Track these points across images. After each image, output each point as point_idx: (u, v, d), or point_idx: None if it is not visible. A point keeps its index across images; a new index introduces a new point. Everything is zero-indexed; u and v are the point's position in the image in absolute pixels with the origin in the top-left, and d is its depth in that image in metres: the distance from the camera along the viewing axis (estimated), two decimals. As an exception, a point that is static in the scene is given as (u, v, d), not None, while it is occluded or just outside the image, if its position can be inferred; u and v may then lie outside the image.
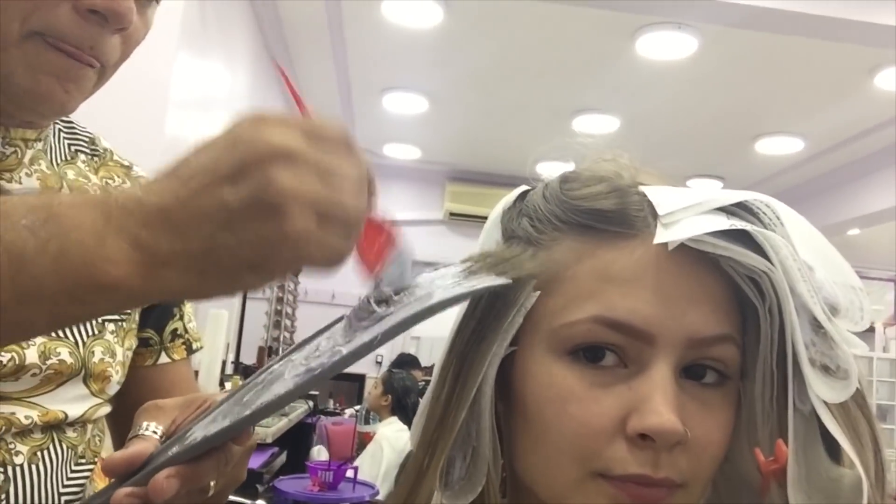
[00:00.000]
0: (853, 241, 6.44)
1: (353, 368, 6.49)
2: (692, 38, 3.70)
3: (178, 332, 0.86)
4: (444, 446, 0.46)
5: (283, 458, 3.44)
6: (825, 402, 0.43)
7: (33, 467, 0.68)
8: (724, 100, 4.57)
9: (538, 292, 0.46)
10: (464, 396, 0.46)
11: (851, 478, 0.43)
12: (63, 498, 0.71)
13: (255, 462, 2.72)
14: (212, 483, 0.51)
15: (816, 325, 0.44)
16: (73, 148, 0.79)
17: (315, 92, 5.16)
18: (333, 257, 0.43)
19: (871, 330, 7.06)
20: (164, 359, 0.84)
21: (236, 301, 4.28)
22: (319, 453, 3.66)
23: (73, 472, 0.72)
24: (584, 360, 0.45)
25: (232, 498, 2.60)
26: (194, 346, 0.88)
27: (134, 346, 0.79)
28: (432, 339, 7.23)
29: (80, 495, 0.73)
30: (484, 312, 0.48)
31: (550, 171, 0.53)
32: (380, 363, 6.54)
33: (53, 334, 0.69)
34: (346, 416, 5.00)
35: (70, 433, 0.72)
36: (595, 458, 0.43)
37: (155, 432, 0.54)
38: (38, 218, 0.40)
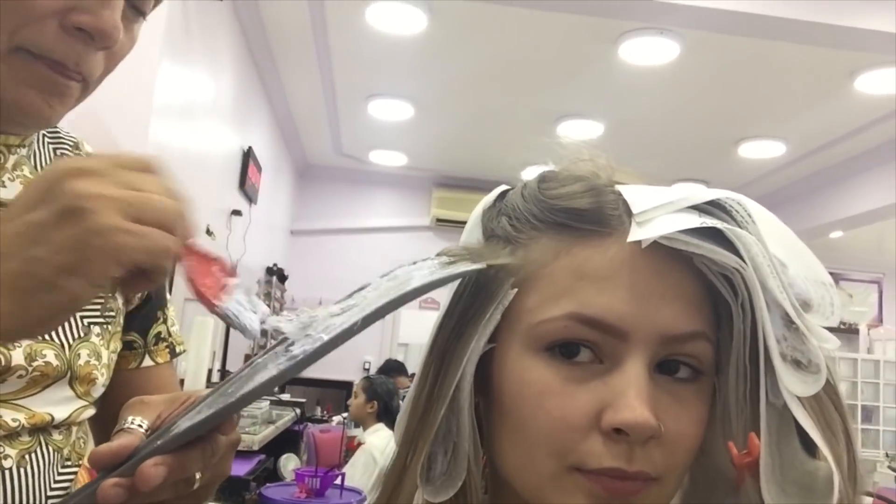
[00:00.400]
0: (836, 244, 6.50)
1: (341, 375, 6.49)
2: (674, 43, 3.73)
3: (162, 336, 0.86)
4: (425, 442, 0.47)
5: (270, 464, 3.42)
6: (797, 396, 0.44)
7: (22, 470, 0.68)
8: (707, 104, 4.61)
9: (515, 289, 0.47)
10: (443, 392, 0.47)
11: (826, 470, 0.44)
12: (50, 501, 0.70)
13: (242, 469, 2.71)
14: (197, 475, 0.51)
15: (788, 321, 0.45)
16: (58, 152, 0.79)
17: (300, 99, 5.16)
18: (155, 253, 0.45)
19: (856, 331, 7.12)
20: (147, 362, 0.84)
21: (222, 309, 4.26)
22: (287, 462, 3.59)
23: (59, 474, 0.72)
24: (559, 356, 0.45)
25: (219, 506, 2.58)
26: (178, 350, 0.88)
27: (119, 349, 0.79)
28: (420, 347, 7.21)
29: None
30: (463, 310, 0.49)
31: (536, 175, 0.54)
32: (367, 370, 6.54)
33: (40, 336, 0.69)
34: (333, 424, 4.99)
35: (56, 435, 0.72)
36: (570, 453, 0.44)
37: (140, 426, 0.53)
38: None
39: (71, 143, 0.82)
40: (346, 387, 6.51)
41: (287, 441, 3.95)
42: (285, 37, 4.18)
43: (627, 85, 4.34)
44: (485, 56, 4.15)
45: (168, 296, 0.90)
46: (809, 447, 0.45)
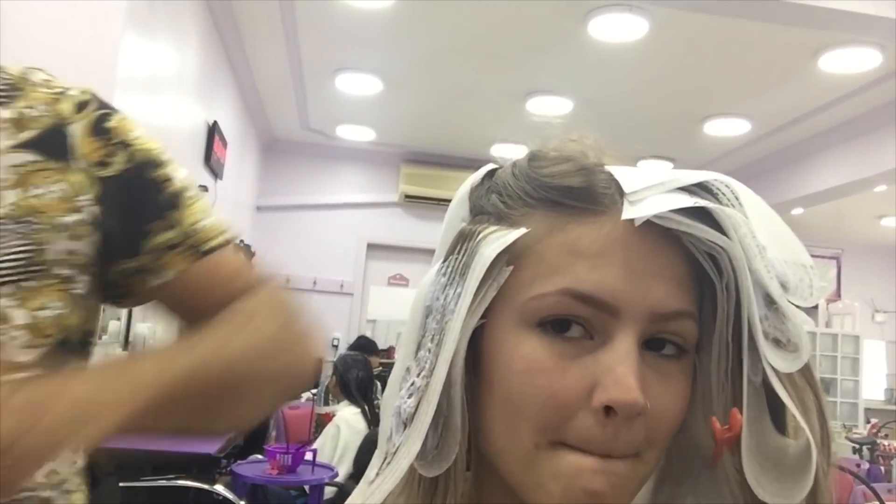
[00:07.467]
0: (797, 220, 6.62)
1: (309, 352, 6.47)
2: (643, 20, 3.74)
3: (172, 243, 0.79)
4: None
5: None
6: (777, 373, 0.45)
7: None
8: (674, 82, 4.64)
9: (511, 267, 0.47)
10: (437, 368, 0.47)
11: (796, 447, 0.46)
12: None
13: (213, 447, 2.70)
14: None
15: (769, 301, 0.46)
16: None
17: (267, 73, 5.08)
18: None
19: (815, 306, 7.27)
20: (158, 280, 0.79)
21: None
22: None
23: None
24: (551, 331, 0.46)
25: (189, 483, 2.57)
26: (204, 247, 0.80)
27: (54, 302, 0.74)
28: (388, 322, 7.23)
29: None
30: (456, 285, 0.49)
31: (506, 153, 0.54)
32: (336, 346, 6.53)
33: None
34: (302, 400, 4.98)
35: None
36: (557, 429, 0.45)
37: None
38: None
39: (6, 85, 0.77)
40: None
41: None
42: (251, 9, 4.10)
43: (596, 62, 4.35)
44: (454, 31, 4.12)
45: (189, 193, 0.84)
46: (779, 425, 0.47)
